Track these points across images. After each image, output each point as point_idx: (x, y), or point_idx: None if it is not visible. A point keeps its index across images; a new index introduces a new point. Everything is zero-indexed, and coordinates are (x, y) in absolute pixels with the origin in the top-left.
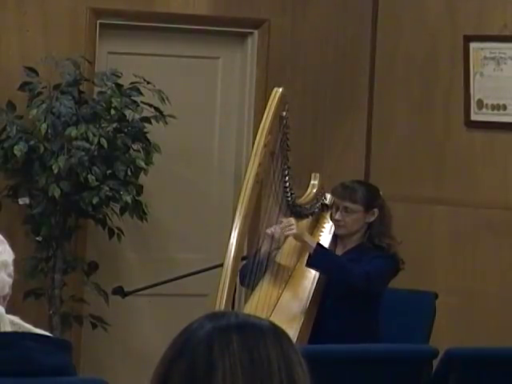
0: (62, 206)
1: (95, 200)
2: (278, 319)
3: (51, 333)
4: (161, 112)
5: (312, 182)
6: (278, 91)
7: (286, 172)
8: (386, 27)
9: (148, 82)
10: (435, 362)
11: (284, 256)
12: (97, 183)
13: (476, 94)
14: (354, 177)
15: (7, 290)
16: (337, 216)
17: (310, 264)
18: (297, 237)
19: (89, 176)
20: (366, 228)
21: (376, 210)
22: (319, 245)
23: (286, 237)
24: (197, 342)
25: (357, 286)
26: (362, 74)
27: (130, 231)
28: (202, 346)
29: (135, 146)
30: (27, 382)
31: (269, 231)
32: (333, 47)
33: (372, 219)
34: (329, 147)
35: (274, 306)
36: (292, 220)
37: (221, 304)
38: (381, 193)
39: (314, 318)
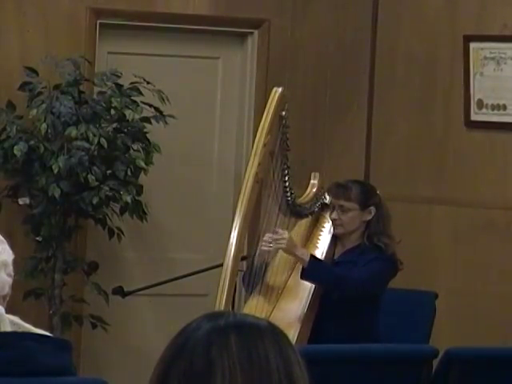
0: (62, 206)
1: (95, 200)
2: (277, 319)
3: (51, 333)
4: (161, 112)
5: (312, 181)
6: (278, 91)
7: (286, 172)
8: (385, 27)
9: (148, 82)
10: (435, 362)
11: (283, 257)
12: (97, 183)
13: (476, 94)
14: (354, 177)
15: (7, 289)
16: (333, 215)
17: (303, 277)
18: (287, 251)
19: (89, 176)
20: (363, 227)
21: (372, 208)
22: (312, 257)
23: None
24: (195, 342)
25: (352, 294)
26: (362, 74)
27: (130, 231)
28: (201, 346)
29: (135, 146)
30: (27, 382)
31: (265, 248)
32: (333, 47)
33: (369, 218)
34: (329, 147)
35: (274, 307)
36: (285, 234)
37: (221, 304)
38: (378, 192)
39: (313, 321)
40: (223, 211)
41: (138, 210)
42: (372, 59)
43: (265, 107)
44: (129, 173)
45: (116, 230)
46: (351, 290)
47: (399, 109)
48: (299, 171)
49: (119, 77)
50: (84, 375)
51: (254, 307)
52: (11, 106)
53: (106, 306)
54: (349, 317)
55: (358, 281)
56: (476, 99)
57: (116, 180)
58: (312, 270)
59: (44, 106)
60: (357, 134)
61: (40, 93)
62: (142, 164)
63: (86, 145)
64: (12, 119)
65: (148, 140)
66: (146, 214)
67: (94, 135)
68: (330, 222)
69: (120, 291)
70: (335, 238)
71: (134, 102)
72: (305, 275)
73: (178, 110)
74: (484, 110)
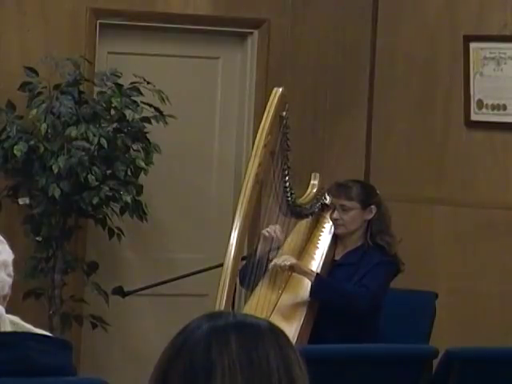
0: (61, 205)
1: (95, 200)
2: (277, 319)
3: (51, 333)
4: (161, 112)
5: (312, 181)
6: (278, 91)
7: (286, 172)
8: (385, 27)
9: (148, 82)
10: (435, 362)
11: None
12: (97, 183)
13: (476, 94)
14: (354, 177)
15: (7, 289)
16: (334, 215)
17: (313, 295)
18: (296, 268)
19: (89, 176)
20: (365, 227)
21: (373, 207)
22: (318, 275)
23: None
24: (195, 343)
25: (363, 310)
26: (362, 74)
27: (129, 231)
28: (201, 346)
29: (135, 146)
30: (27, 382)
31: (266, 233)
32: (333, 47)
33: (370, 217)
34: (329, 147)
35: (274, 306)
36: (288, 257)
37: (221, 304)
38: (378, 191)
39: (313, 328)
40: (223, 211)
41: (138, 209)
42: (372, 59)
43: (265, 107)
44: (129, 173)
45: (116, 230)
46: (363, 309)
47: (399, 109)
48: (299, 171)
49: (119, 77)
50: (84, 375)
51: (254, 307)
52: (11, 105)
53: (105, 306)
54: (349, 327)
55: (368, 295)
56: (476, 99)
57: (116, 180)
58: (320, 287)
59: (44, 105)
60: (357, 134)
61: (40, 93)
62: (142, 164)
63: (86, 145)
64: (12, 119)
65: (148, 140)
66: (145, 214)
67: (94, 135)
68: (331, 222)
69: (120, 291)
70: (336, 239)
71: (134, 102)
72: (313, 294)
73: (178, 110)
74: (484, 110)
